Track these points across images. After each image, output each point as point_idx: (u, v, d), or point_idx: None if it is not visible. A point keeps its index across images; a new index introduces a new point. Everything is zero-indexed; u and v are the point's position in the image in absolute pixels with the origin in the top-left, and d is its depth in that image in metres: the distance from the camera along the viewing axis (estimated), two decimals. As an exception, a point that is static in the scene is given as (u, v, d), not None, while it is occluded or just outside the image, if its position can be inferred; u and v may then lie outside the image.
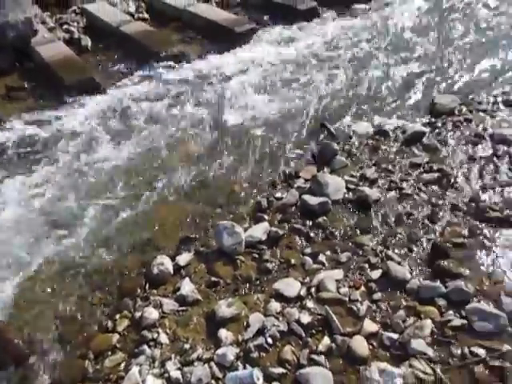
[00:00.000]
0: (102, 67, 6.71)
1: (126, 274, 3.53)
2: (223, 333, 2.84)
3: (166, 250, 3.70)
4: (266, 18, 7.81)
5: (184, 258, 3.54)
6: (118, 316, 3.12)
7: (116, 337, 2.97)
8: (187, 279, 3.33)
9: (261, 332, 2.81)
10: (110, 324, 3.07)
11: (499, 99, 5.18)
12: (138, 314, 3.06)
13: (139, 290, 3.33)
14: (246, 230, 3.68)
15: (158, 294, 3.26)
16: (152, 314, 3.03)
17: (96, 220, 4.06)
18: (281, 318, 2.91)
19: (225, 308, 2.99)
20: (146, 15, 8.06)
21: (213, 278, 3.34)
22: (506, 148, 4.26)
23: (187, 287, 3.23)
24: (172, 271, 3.42)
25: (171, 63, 6.56)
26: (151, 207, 4.18)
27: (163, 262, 3.44)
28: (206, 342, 2.86)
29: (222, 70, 6.45)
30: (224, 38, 7.01)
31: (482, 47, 6.73)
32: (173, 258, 3.54)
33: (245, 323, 2.91)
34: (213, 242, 3.67)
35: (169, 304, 3.13)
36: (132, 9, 8.19)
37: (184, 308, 3.11)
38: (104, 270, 3.58)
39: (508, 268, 3.07)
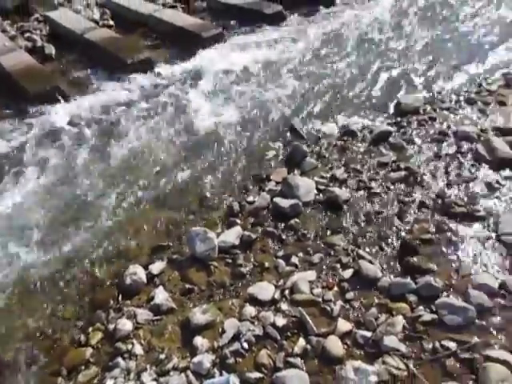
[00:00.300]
0: (67, 75, 6.60)
1: (98, 286, 3.47)
2: (199, 340, 2.83)
3: (138, 259, 3.66)
4: (232, 22, 7.83)
5: (157, 267, 3.51)
6: (90, 329, 3.07)
7: (89, 351, 2.91)
8: (161, 288, 3.30)
9: (236, 337, 2.81)
10: (82, 338, 3.01)
11: (461, 97, 5.33)
12: (111, 326, 3.02)
13: (112, 302, 3.28)
14: (218, 235, 3.68)
15: (131, 305, 3.22)
16: (126, 325, 2.99)
17: (65, 232, 3.99)
18: (256, 323, 2.91)
19: (199, 315, 2.98)
20: (111, 22, 7.99)
21: (187, 286, 3.32)
22: (469, 145, 4.38)
23: (161, 296, 3.20)
24: (145, 280, 3.39)
25: (138, 70, 6.49)
26: (122, 216, 4.13)
27: (136, 272, 3.40)
28: (182, 350, 2.84)
29: (190, 75, 6.44)
30: (191, 44, 6.99)
31: (446, 46, 6.91)
32: (146, 267, 3.50)
33: (220, 329, 2.90)
34: (186, 249, 3.66)
35: (143, 314, 3.09)
36: (96, 16, 8.10)
37: (158, 317, 3.08)
38: (75, 282, 3.51)
39: (474, 262, 3.16)
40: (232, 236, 3.66)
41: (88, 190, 4.46)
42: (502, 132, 4.45)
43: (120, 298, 3.30)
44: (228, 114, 5.56)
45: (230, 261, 3.49)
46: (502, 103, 5.05)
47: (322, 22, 7.94)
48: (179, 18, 7.65)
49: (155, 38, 7.46)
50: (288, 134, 5.16)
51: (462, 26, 7.54)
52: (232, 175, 4.58)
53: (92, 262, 3.68)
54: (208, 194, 4.33)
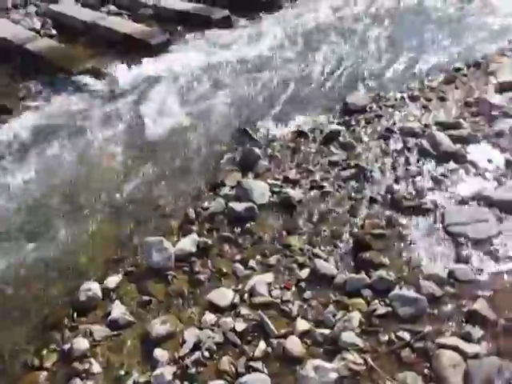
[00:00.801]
0: (7, 88, 6.33)
1: (51, 305, 3.35)
2: (159, 352, 2.79)
3: (93, 274, 3.56)
4: (180, 28, 7.78)
5: (113, 281, 3.42)
6: (44, 351, 2.95)
7: (44, 374, 2.80)
8: (117, 302, 3.22)
9: (197, 346, 2.78)
10: (36, 361, 2.89)
11: (405, 95, 5.53)
12: (66, 346, 2.91)
13: (66, 320, 3.16)
14: (175, 243, 3.63)
15: (87, 322, 3.12)
16: (82, 343, 2.90)
17: (13, 247, 3.82)
18: (216, 329, 2.90)
19: (159, 326, 2.94)
20: (54, 31, 7.73)
21: (144, 298, 3.26)
22: (414, 140, 4.54)
23: (118, 310, 3.13)
24: (101, 296, 3.29)
25: (84, 79, 6.33)
26: (74, 230, 4.01)
27: (90, 288, 3.30)
28: (142, 364, 2.79)
29: (139, 83, 6.34)
30: (139, 51, 6.89)
31: (390, 45, 7.14)
32: (101, 282, 3.41)
33: (180, 339, 2.87)
34: (142, 260, 3.59)
35: (100, 331, 3.01)
36: (37, 25, 7.82)
37: (116, 332, 3.01)
38: (26, 303, 3.37)
39: (424, 253, 3.28)
40: (188, 243, 3.62)
41: (38, 205, 4.30)
42: (444, 126, 4.64)
43: (75, 315, 3.19)
44: (179, 119, 5.52)
45: (187, 269, 3.46)
46: (443, 99, 5.28)
47: (271, 26, 8.03)
48: (125, 25, 7.52)
49: (101, 47, 7.28)
50: (240, 137, 5.17)
51: (404, 25, 7.82)
52: (186, 182, 4.54)
53: (44, 280, 3.54)
54: (162, 203, 4.27)
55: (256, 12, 8.39)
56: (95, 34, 7.53)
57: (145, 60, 6.82)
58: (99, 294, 3.29)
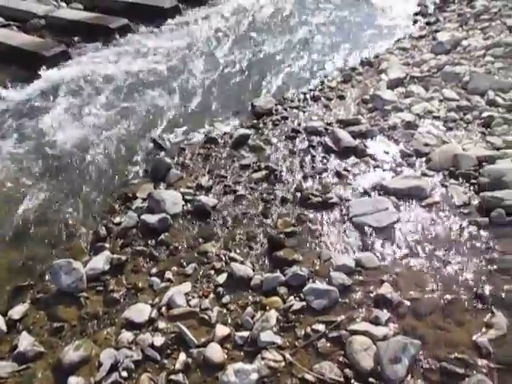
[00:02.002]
0: None
1: None
2: (73, 380, 2.64)
3: (-5, 306, 3.31)
4: (76, 38, 7.46)
5: (19, 311, 3.20)
6: None
7: None
8: (25, 333, 3.01)
9: (114, 367, 2.68)
10: None
11: (307, 95, 5.77)
12: (-33, 390, 2.68)
13: (-34, 362, 2.91)
14: (86, 263, 3.49)
15: (-10, 360, 2.89)
16: (-15, 384, 2.68)
17: None
18: (134, 347, 2.81)
19: (72, 353, 2.79)
20: None
21: (55, 324, 3.08)
22: (318, 138, 4.74)
23: (25, 342, 2.92)
24: (5, 328, 3.06)
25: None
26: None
27: (-7, 322, 3.06)
28: (56, 395, 2.64)
29: (35, 97, 6.00)
30: (32, 64, 6.51)
31: (290, 49, 7.41)
32: (5, 314, 3.18)
33: (96, 363, 2.74)
34: (51, 284, 3.40)
35: (6, 366, 2.79)
36: None
37: (25, 366, 2.81)
38: None
39: (333, 246, 3.43)
40: (100, 262, 3.49)
41: None
42: (344, 123, 4.90)
43: (-24, 355, 2.94)
44: (84, 132, 5.31)
45: (101, 288, 3.33)
46: (342, 97, 5.58)
47: (171, 33, 7.98)
48: (15, 37, 7.07)
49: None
50: (150, 147, 5.08)
51: (303, 29, 8.14)
52: (95, 197, 4.37)
53: None
54: (71, 222, 4.07)
55: (158, 19, 8.29)
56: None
57: (39, 72, 6.47)
58: (3, 327, 3.06)
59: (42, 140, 5.23)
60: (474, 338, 2.64)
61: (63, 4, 8.66)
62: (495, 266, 3.07)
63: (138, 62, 6.96)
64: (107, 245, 3.74)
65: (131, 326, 2.98)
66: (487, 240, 3.30)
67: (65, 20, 7.92)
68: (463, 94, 5.13)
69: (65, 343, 2.94)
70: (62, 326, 3.07)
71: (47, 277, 3.49)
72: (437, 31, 7.06)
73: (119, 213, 4.14)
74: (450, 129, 4.61)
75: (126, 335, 2.90)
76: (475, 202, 3.66)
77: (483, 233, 3.36)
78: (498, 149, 4.17)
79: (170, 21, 8.37)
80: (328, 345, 2.72)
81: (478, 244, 3.28)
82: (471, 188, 3.81)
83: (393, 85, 5.51)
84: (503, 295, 2.87)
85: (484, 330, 2.69)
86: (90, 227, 4.00)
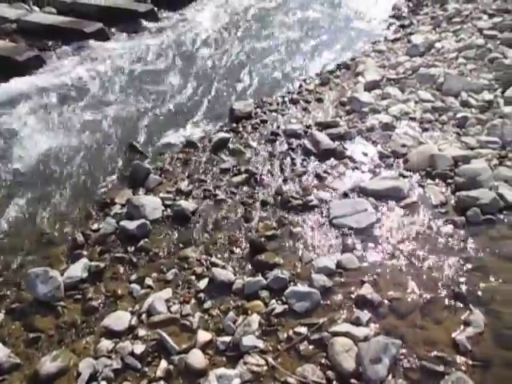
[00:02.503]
0: None
1: None
2: (51, 392, 2.59)
3: (-32, 318, 3.20)
4: (50, 43, 7.35)
5: (-7, 322, 3.12)
6: None
7: None
8: (0, 345, 2.93)
9: (93, 377, 2.63)
10: None
11: (286, 98, 5.79)
12: None
13: None
14: (63, 271, 3.42)
15: (-36, 376, 2.80)
16: (-41, 398, 2.59)
17: None
18: (114, 356, 2.76)
19: (49, 364, 2.72)
20: None
21: (32, 335, 3.01)
22: (297, 141, 4.76)
23: (1, 354, 2.83)
24: (-21, 342, 2.98)
25: None
26: None
27: (-34, 335, 2.97)
28: (33, 408, 2.57)
29: (8, 102, 5.89)
30: (4, 69, 6.39)
31: (269, 53, 7.43)
32: (-21, 327, 3.09)
33: (75, 373, 2.69)
34: (27, 294, 3.31)
35: (-20, 380, 2.71)
36: None
37: (1, 378, 2.73)
38: None
39: (314, 248, 3.44)
40: (78, 269, 3.42)
41: None
42: (323, 126, 4.93)
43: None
44: (59, 139, 5.21)
45: (79, 296, 3.27)
46: (320, 100, 5.62)
47: (147, 37, 7.93)
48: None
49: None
50: (129, 152, 5.02)
51: (281, 33, 8.19)
52: (72, 204, 4.29)
53: None
54: (47, 230, 3.99)
55: (135, 23, 8.23)
56: None
57: (12, 78, 6.34)
58: (-23, 340, 2.97)
59: (13, 148, 5.11)
60: (453, 335, 2.69)
61: (36, 8, 8.53)
62: (472, 265, 3.13)
63: (113, 67, 6.88)
64: (85, 252, 3.67)
65: (110, 334, 2.93)
66: (464, 239, 3.36)
67: (38, 24, 7.79)
68: (438, 95, 5.23)
69: (42, 354, 2.88)
70: (38, 336, 3.00)
71: (23, 286, 3.40)
72: (411, 34, 7.19)
73: (97, 219, 4.07)
74: (426, 130, 4.70)
75: (106, 344, 2.85)
76: (452, 201, 3.73)
77: (460, 232, 3.42)
78: (472, 148, 4.26)
79: (145, 24, 8.31)
80: (310, 347, 2.72)
81: (455, 243, 3.34)
82: (448, 188, 3.88)
83: (370, 87, 5.58)
84: (480, 293, 2.92)
85: (462, 327, 2.73)
86: (67, 235, 3.92)
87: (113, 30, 8.02)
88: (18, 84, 6.25)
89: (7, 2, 8.58)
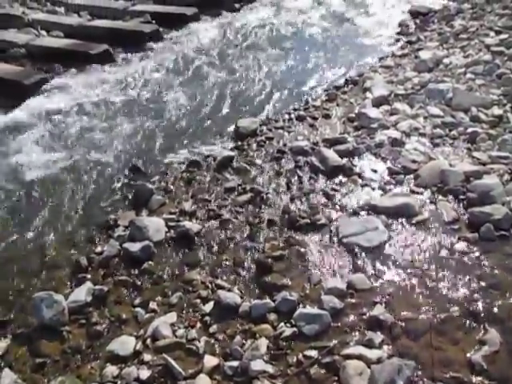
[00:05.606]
0: None
1: None
2: (55, 420, 2.51)
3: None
4: (56, 66, 7.43)
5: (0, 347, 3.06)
6: None
7: None
8: (7, 370, 2.87)
9: (98, 404, 2.56)
10: None
11: (292, 115, 5.75)
12: None
13: None
14: (67, 296, 3.36)
15: (-31, 402, 2.74)
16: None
17: None
18: (119, 382, 2.70)
19: (54, 391, 2.65)
20: None
21: (38, 360, 2.96)
22: (304, 158, 4.69)
23: (8, 379, 2.79)
24: (-14, 367, 2.92)
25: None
26: None
27: (-30, 362, 2.91)
28: None
29: (16, 125, 5.93)
30: (13, 93, 6.47)
31: (277, 68, 7.44)
32: (-15, 351, 3.03)
33: (80, 400, 2.61)
34: (32, 319, 3.25)
35: (-16, 408, 2.64)
36: None
37: (6, 405, 2.67)
38: None
39: (323, 268, 3.35)
40: (82, 293, 3.37)
41: None
42: (330, 142, 4.86)
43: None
44: (63, 161, 5.20)
45: (83, 321, 3.21)
46: (328, 116, 5.57)
47: (153, 58, 7.99)
48: (-4, 67, 7.03)
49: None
50: (131, 173, 4.96)
51: (287, 49, 8.21)
52: (75, 227, 4.24)
53: None
54: (51, 254, 3.94)
55: (138, 44, 8.32)
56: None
57: (20, 101, 6.40)
58: (-17, 365, 2.91)
59: (18, 170, 5.11)
60: (468, 355, 2.60)
61: (43, 32, 8.65)
62: (486, 282, 3.03)
63: (118, 88, 6.92)
64: (89, 275, 3.61)
65: (116, 359, 2.87)
66: (478, 256, 3.26)
67: (44, 47, 7.89)
68: (447, 110, 5.17)
69: (48, 379, 2.84)
70: (44, 361, 2.95)
71: (28, 310, 3.34)
72: (419, 50, 7.17)
73: (100, 242, 4.02)
74: (437, 145, 4.63)
75: (111, 369, 2.79)
76: (464, 217, 3.64)
77: (473, 248, 3.32)
78: (483, 164, 4.19)
79: (151, 45, 8.38)
80: (321, 371, 2.63)
81: (468, 260, 3.24)
82: (460, 204, 3.79)
83: (378, 102, 5.53)
84: (495, 311, 2.82)
85: (477, 347, 2.65)
86: (71, 258, 3.86)
87: (118, 50, 8.09)
88: (25, 107, 6.30)
89: (16, 28, 8.72)
